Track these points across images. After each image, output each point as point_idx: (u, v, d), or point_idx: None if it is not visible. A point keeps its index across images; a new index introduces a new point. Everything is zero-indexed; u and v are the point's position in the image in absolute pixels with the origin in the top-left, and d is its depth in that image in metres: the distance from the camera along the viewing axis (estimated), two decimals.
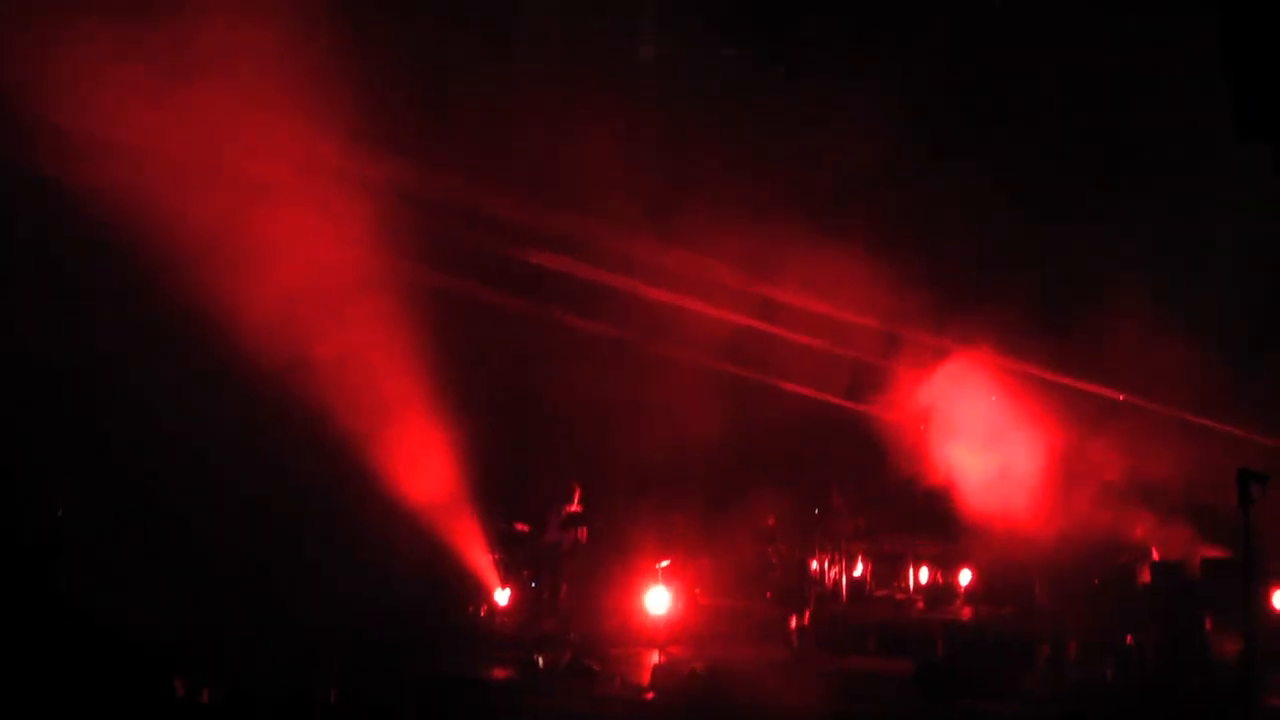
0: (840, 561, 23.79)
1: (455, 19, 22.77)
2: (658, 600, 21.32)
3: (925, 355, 25.15)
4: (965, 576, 23.17)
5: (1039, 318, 24.92)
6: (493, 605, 22.39)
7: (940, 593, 23.32)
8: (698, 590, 23.16)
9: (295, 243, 20.14)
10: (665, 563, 21.73)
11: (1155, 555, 21.95)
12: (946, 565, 23.81)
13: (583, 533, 22.82)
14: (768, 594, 23.15)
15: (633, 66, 25.72)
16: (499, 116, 22.59)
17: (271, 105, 19.58)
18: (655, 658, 19.94)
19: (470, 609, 22.30)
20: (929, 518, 24.67)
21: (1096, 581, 21.44)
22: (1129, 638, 19.22)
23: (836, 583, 23.68)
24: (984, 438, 24.23)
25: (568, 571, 22.75)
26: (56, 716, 12.97)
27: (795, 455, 25.87)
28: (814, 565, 23.77)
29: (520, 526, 23.26)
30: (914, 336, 25.38)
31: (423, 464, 21.88)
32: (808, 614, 21.19)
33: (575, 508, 22.88)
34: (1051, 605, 20.90)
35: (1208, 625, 19.60)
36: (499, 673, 18.98)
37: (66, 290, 19.98)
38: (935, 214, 25.62)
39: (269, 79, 19.39)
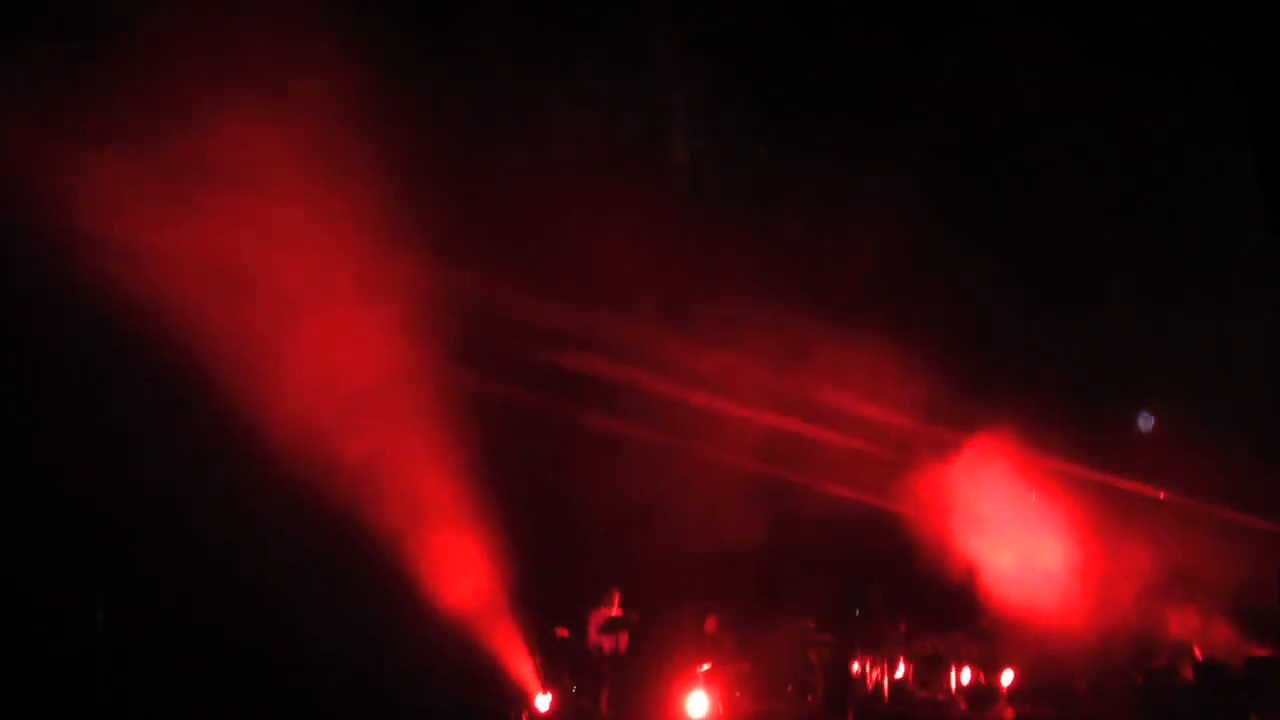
0: (882, 663, 23.66)
1: (485, 118, 22.97)
2: (699, 705, 21.26)
3: (960, 451, 25.13)
4: (1007, 677, 23.01)
5: (1079, 413, 24.92)
6: (533, 711, 22.33)
7: (983, 693, 23.12)
8: (738, 694, 23.07)
9: (331, 344, 20.29)
10: (706, 666, 21.67)
11: (1198, 654, 21.78)
12: (988, 666, 23.62)
13: (623, 637, 22.82)
14: (809, 697, 23.04)
15: (664, 165, 25.86)
16: (532, 216, 22.70)
17: (299, 204, 19.78)
18: None
19: (510, 715, 22.25)
20: (969, 617, 24.56)
21: (1140, 680, 21.27)
22: None
23: (878, 684, 23.53)
24: (1023, 535, 24.18)
25: (609, 676, 22.71)
26: None
27: (833, 556, 25.82)
28: (855, 667, 23.64)
29: (561, 631, 23.26)
30: (948, 431, 25.37)
31: (462, 568, 21.92)
32: (850, 716, 21.08)
33: (616, 611, 22.91)
34: (1094, 705, 20.73)
35: None
36: None
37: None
38: (966, 306, 25.76)
39: (297, 178, 19.60)
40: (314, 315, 20.17)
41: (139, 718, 17.41)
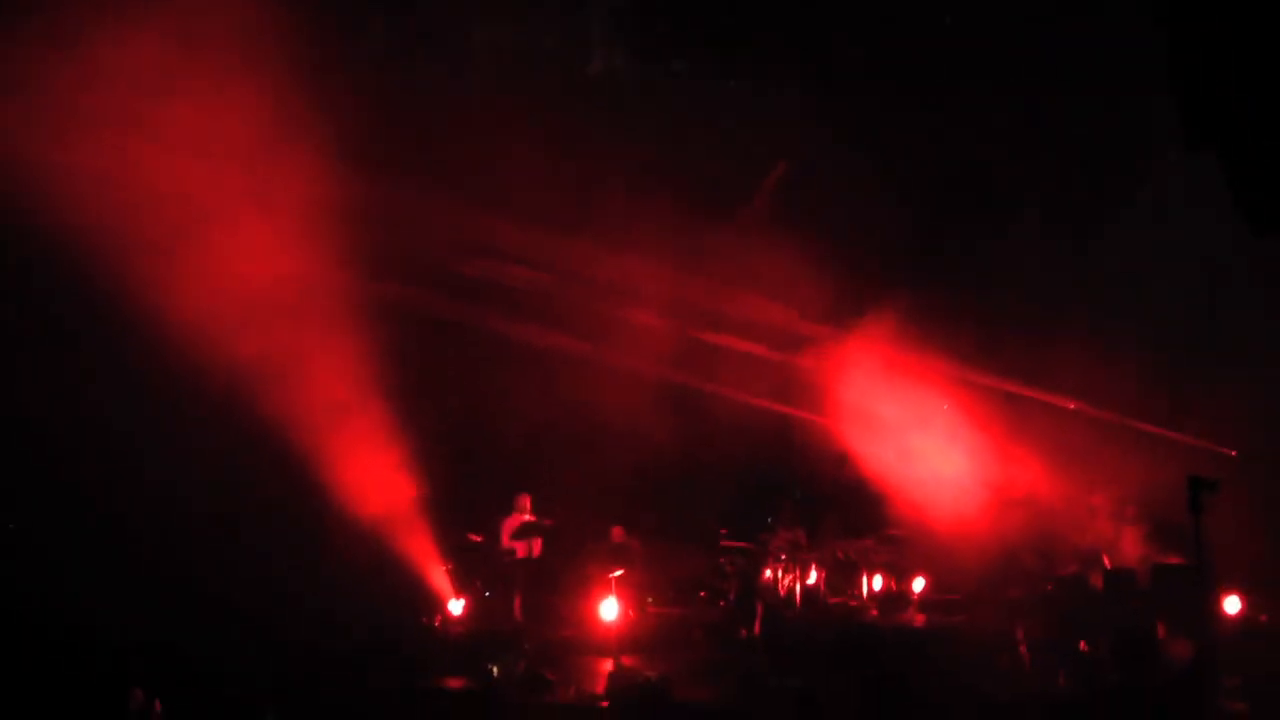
0: (793, 570, 23.78)
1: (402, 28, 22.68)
2: (611, 610, 21.26)
3: (873, 360, 25.21)
4: (919, 584, 23.21)
5: (990, 323, 25.03)
6: (447, 615, 22.32)
7: (894, 600, 23.32)
8: (651, 600, 23.15)
9: (245, 256, 20.05)
10: (618, 572, 21.67)
11: (1107, 562, 22.01)
12: (900, 573, 23.82)
13: (536, 543, 22.81)
14: (720, 603, 23.14)
15: (584, 79, 25.65)
16: (450, 126, 22.43)
17: (208, 113, 19.49)
18: (609, 667, 19.89)
19: (424, 620, 22.21)
20: (880, 524, 24.73)
21: (1050, 588, 21.47)
22: (1082, 644, 19.25)
23: (790, 590, 23.67)
24: (935, 444, 24.33)
25: (522, 581, 22.71)
26: None
27: (744, 465, 25.91)
28: (767, 573, 23.75)
29: (474, 537, 23.24)
30: (860, 340, 25.44)
31: (375, 477, 21.83)
32: (757, 624, 21.16)
33: (528, 518, 22.88)
34: (1004, 612, 20.89)
35: (1161, 630, 19.67)
36: (454, 682, 18.91)
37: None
38: (877, 213, 25.86)
39: (205, 87, 19.31)
40: (222, 223, 19.91)
41: (50, 626, 17.16)
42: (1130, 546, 22.17)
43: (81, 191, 18.61)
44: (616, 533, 23.51)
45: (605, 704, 17.80)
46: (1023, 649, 19.51)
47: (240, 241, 20.06)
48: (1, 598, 17.89)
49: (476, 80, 23.43)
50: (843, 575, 24.27)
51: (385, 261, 22.21)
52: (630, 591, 22.14)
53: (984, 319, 24.88)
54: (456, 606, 22.37)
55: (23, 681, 14.53)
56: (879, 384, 25.37)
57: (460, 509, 23.37)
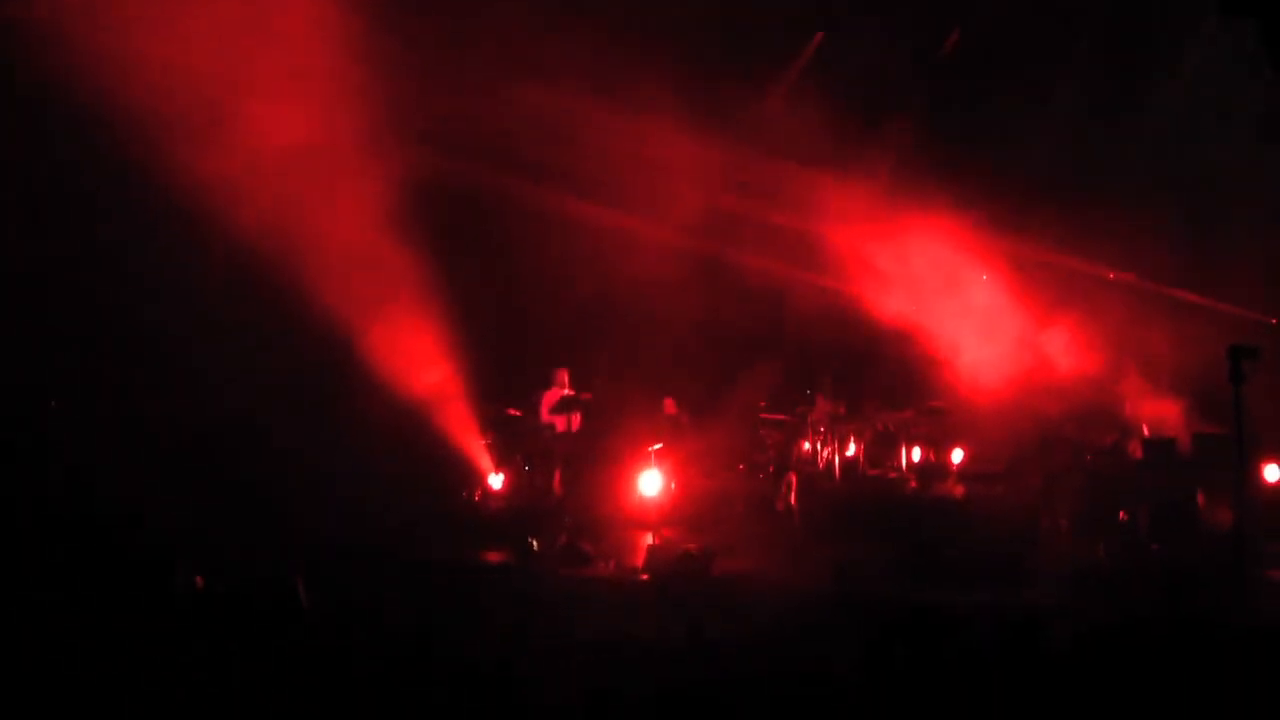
0: (833, 442, 23.82)
1: None
2: (651, 483, 21.38)
3: (913, 230, 25.09)
4: (958, 455, 23.22)
5: (1030, 195, 24.83)
6: (486, 490, 22.47)
7: (933, 471, 23.34)
8: (691, 472, 23.22)
9: (270, 136, 19.99)
10: (658, 446, 21.75)
11: (1146, 431, 21.96)
12: (939, 444, 23.84)
13: (576, 417, 22.86)
14: (760, 475, 23.21)
15: None
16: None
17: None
18: (649, 540, 20.01)
19: (464, 494, 22.36)
20: (920, 396, 24.73)
21: (1089, 458, 21.44)
22: (1122, 513, 19.25)
23: (829, 462, 23.72)
24: (974, 315, 24.23)
25: (561, 455, 22.80)
26: (54, 609, 12.97)
27: (784, 337, 25.90)
28: (805, 446, 23.80)
29: (513, 411, 23.30)
30: (900, 212, 25.29)
31: (413, 351, 21.87)
32: (793, 495, 21.20)
33: (568, 391, 22.91)
34: (1043, 483, 20.88)
35: (1200, 500, 19.65)
36: (493, 557, 19.05)
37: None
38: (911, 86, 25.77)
39: None
40: (253, 98, 19.83)
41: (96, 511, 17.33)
42: (1170, 415, 22.10)
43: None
44: (668, 404, 23.56)
45: (645, 577, 17.92)
46: (1062, 520, 19.55)
47: (273, 116, 19.98)
48: (48, 485, 18.09)
49: None
50: (882, 447, 24.31)
51: (421, 134, 22.08)
52: (672, 464, 22.22)
53: (1021, 186, 24.65)
54: (496, 481, 22.50)
55: (72, 563, 14.67)
56: (919, 253, 25.27)
57: (500, 383, 23.41)
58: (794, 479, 21.35)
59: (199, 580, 13.23)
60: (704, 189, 25.18)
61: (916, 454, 23.93)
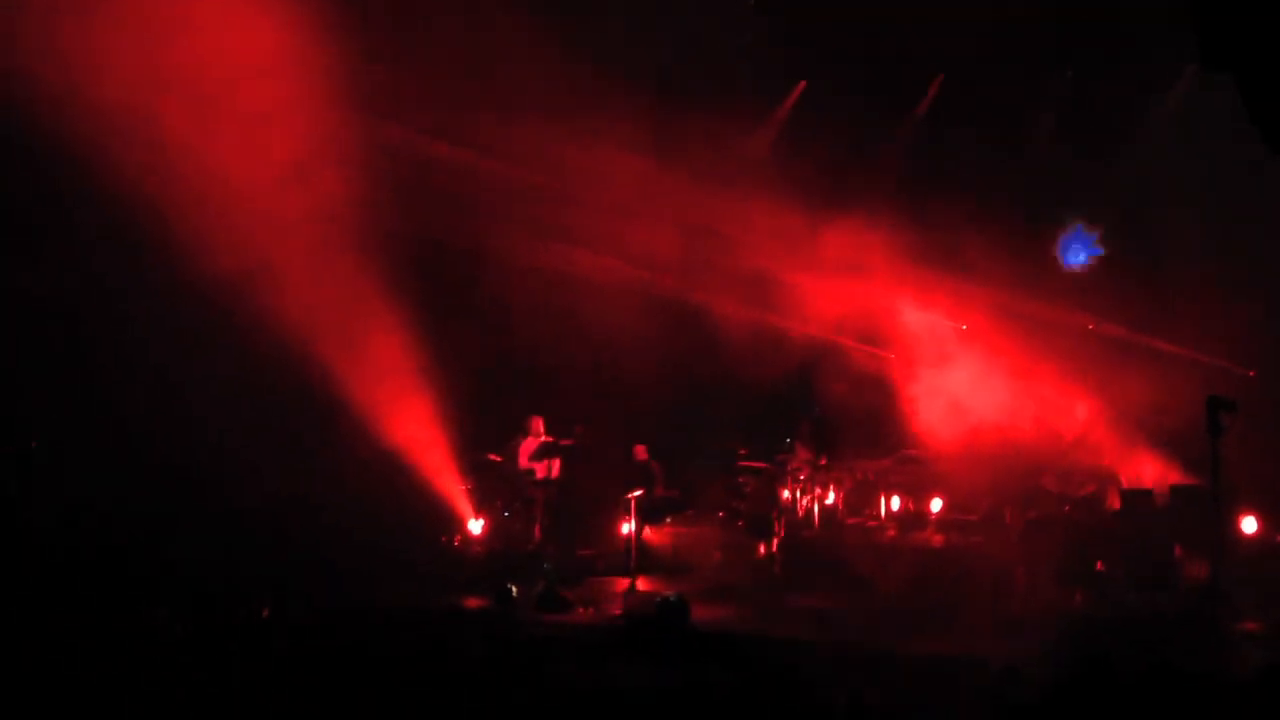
0: (812, 490, 23.86)
1: None
2: (630, 530, 21.38)
3: (891, 280, 25.26)
4: (936, 504, 23.25)
5: (1009, 242, 24.93)
6: (466, 535, 22.46)
7: (912, 519, 23.37)
8: (669, 520, 23.23)
9: (250, 165, 20.00)
10: (638, 492, 21.78)
11: (1124, 483, 22.05)
12: (918, 492, 23.86)
13: (555, 463, 22.88)
14: (739, 522, 23.22)
15: None
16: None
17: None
18: (626, 587, 20.04)
19: (444, 539, 22.37)
20: (899, 445, 24.77)
21: (1067, 509, 21.52)
22: (1099, 564, 19.33)
23: (808, 510, 23.75)
24: (953, 364, 24.31)
25: (541, 502, 22.81)
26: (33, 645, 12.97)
27: (764, 385, 25.94)
28: (785, 494, 23.82)
29: (493, 457, 23.33)
30: (881, 261, 25.43)
31: (395, 395, 21.89)
32: (775, 542, 21.20)
33: (547, 438, 22.94)
34: (1021, 532, 20.95)
35: (1177, 552, 19.74)
36: (472, 602, 19.04)
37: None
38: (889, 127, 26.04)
39: None
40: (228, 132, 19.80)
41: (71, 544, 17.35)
42: (1148, 467, 22.20)
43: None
44: (639, 451, 23.56)
45: (622, 623, 17.92)
46: (1039, 569, 19.61)
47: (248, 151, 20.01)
48: (23, 515, 18.07)
49: None
50: (861, 495, 24.32)
51: (392, 182, 22.12)
52: (649, 512, 22.24)
53: (1001, 236, 24.76)
54: (476, 526, 22.51)
55: (44, 600, 14.67)
56: (897, 302, 25.41)
57: (480, 430, 23.45)
58: (779, 525, 21.40)
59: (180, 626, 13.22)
60: (684, 234, 25.32)
61: (895, 502, 23.95)
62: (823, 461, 24.22)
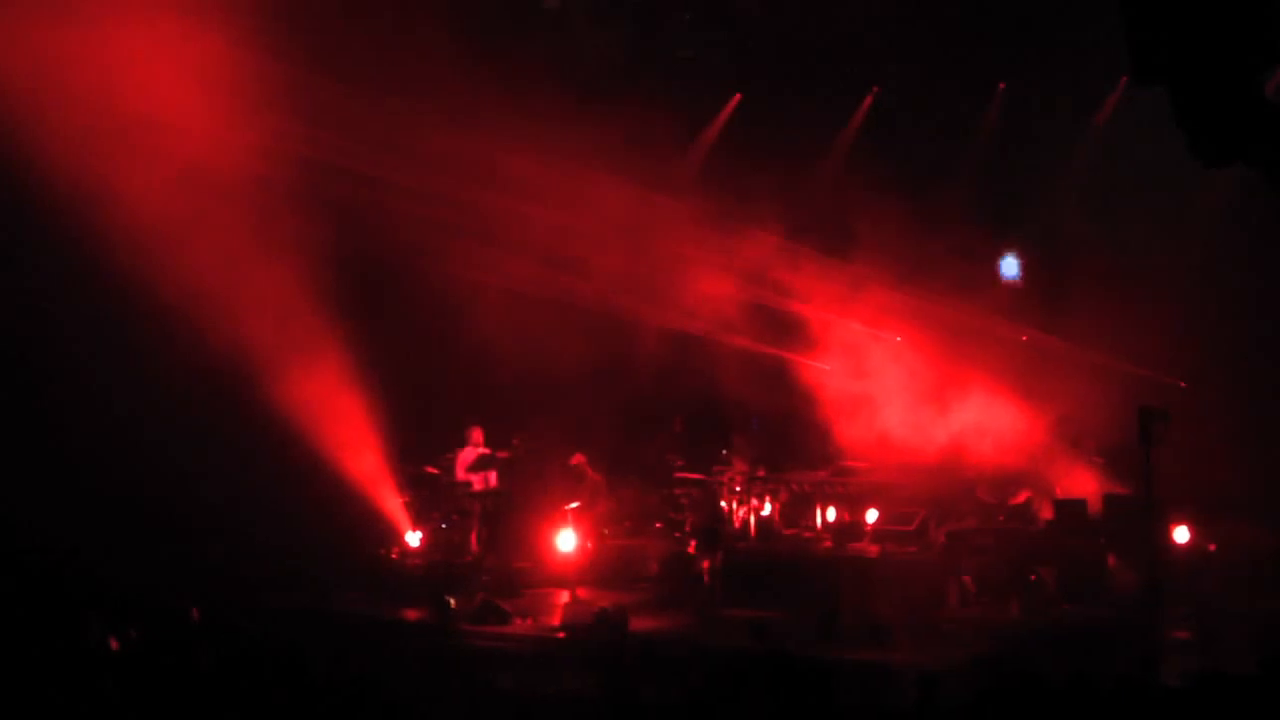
0: (748, 501, 23.91)
1: None
2: (567, 541, 21.41)
3: (827, 290, 25.43)
4: (872, 515, 23.33)
5: (943, 255, 25.09)
6: (404, 547, 22.44)
7: (848, 530, 23.43)
8: (607, 531, 23.26)
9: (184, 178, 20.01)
10: (574, 504, 21.82)
11: (1058, 493, 22.19)
12: (854, 504, 23.93)
13: (492, 475, 22.88)
14: (676, 534, 23.26)
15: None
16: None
17: None
18: (565, 598, 20.07)
19: (381, 551, 22.33)
20: (834, 457, 24.86)
21: (1001, 519, 21.69)
22: (1032, 575, 19.48)
23: (745, 522, 23.80)
24: (887, 375, 24.42)
25: (478, 513, 22.80)
26: None
27: (700, 396, 26.01)
28: (721, 504, 23.87)
29: (430, 469, 23.31)
30: (816, 271, 25.63)
31: (331, 406, 21.86)
32: (719, 555, 21.24)
33: (484, 450, 22.93)
34: (956, 543, 21.08)
35: (1110, 561, 19.94)
36: (410, 614, 19.05)
37: None
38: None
39: None
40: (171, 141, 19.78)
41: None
42: (1081, 477, 22.36)
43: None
44: (577, 459, 23.53)
45: (562, 635, 17.97)
46: (967, 579, 19.76)
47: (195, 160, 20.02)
48: None
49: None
50: (797, 507, 24.38)
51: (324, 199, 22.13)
52: (588, 523, 22.27)
53: (936, 246, 24.91)
54: (413, 538, 22.48)
55: None
56: (830, 316, 25.51)
57: (417, 440, 23.44)
58: (723, 538, 21.47)
59: (113, 641, 13.12)
60: (622, 246, 25.38)
61: (832, 514, 24.01)
62: (760, 473, 24.28)
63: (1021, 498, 22.27)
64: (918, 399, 24.01)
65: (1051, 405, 23.28)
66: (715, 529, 21.54)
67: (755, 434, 25.78)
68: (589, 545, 22.13)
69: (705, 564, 20.83)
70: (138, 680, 12.32)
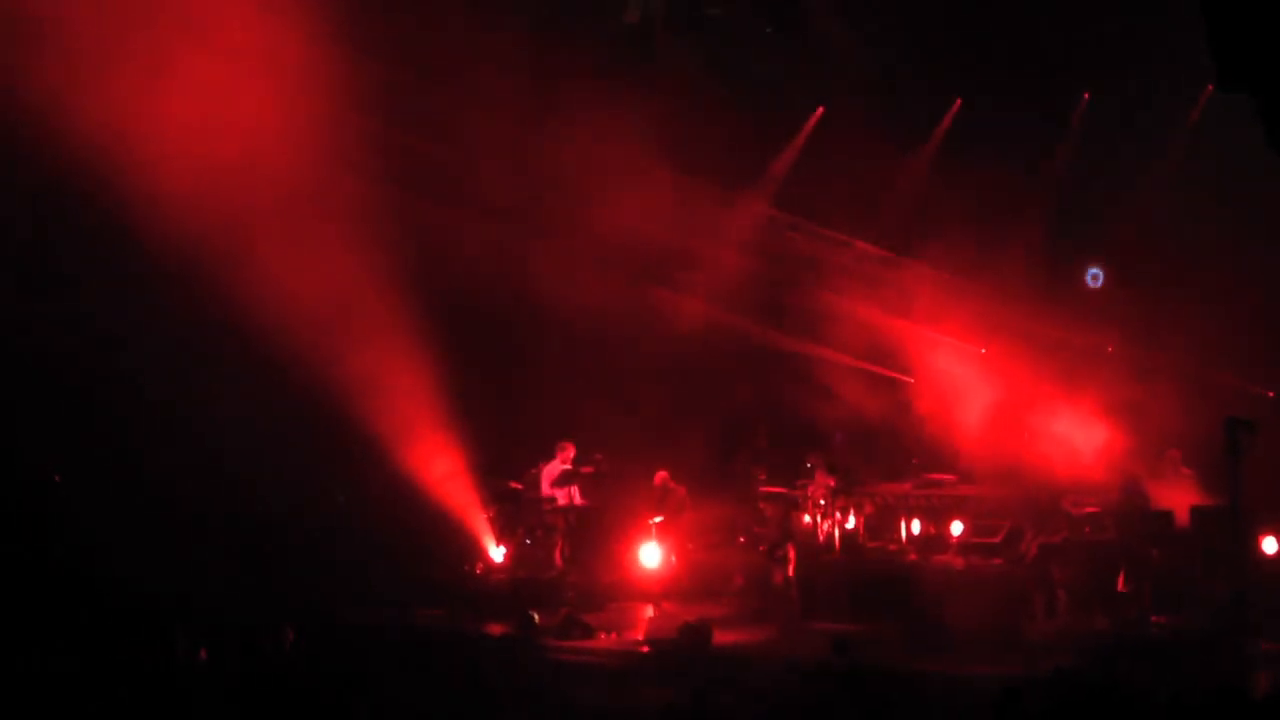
0: (832, 515, 23.83)
1: None
2: (651, 556, 21.43)
3: (915, 303, 25.42)
4: (957, 527, 23.20)
5: (1028, 267, 24.98)
6: (488, 562, 22.53)
7: (932, 543, 23.32)
8: (690, 546, 23.26)
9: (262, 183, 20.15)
10: (659, 519, 21.83)
11: (1146, 505, 21.98)
12: (938, 516, 23.81)
13: (576, 490, 22.91)
14: (760, 547, 23.24)
15: None
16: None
17: None
18: (649, 612, 20.11)
19: (466, 567, 22.44)
20: (920, 469, 24.79)
21: (1087, 530, 21.49)
22: (1120, 586, 19.33)
23: (829, 536, 23.73)
24: (973, 388, 24.31)
25: (562, 528, 22.83)
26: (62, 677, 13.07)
27: (785, 410, 26.00)
28: (806, 519, 23.79)
29: (514, 484, 23.39)
30: (905, 283, 25.64)
31: (416, 421, 21.99)
32: (791, 568, 21.17)
33: (569, 465, 22.97)
34: (1042, 555, 20.93)
35: (1199, 572, 19.73)
36: (495, 629, 19.12)
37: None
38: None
39: None
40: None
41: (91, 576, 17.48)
42: (1169, 488, 22.14)
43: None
44: (660, 477, 23.52)
45: (646, 649, 17.99)
46: (1060, 591, 19.62)
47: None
48: (43, 551, 18.23)
49: None
50: (881, 519, 24.26)
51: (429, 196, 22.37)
52: (672, 537, 22.27)
53: (1020, 258, 24.78)
54: (498, 554, 22.57)
55: (65, 632, 14.78)
56: (915, 327, 25.46)
57: (505, 458, 23.53)
58: (793, 552, 21.34)
59: (203, 652, 13.30)
60: (707, 258, 25.50)
61: (916, 526, 23.89)
62: (842, 485, 24.20)
63: (1109, 512, 22.05)
64: (1002, 411, 23.88)
65: (1138, 416, 23.08)
66: (782, 542, 21.47)
67: (839, 447, 25.68)
68: (673, 559, 22.13)
69: (779, 578, 20.80)
70: (230, 697, 12.49)
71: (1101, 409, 23.28)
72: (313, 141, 20.19)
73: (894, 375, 25.80)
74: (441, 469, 22.24)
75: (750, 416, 26.66)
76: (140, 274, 20.06)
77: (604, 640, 18.65)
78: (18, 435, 19.47)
